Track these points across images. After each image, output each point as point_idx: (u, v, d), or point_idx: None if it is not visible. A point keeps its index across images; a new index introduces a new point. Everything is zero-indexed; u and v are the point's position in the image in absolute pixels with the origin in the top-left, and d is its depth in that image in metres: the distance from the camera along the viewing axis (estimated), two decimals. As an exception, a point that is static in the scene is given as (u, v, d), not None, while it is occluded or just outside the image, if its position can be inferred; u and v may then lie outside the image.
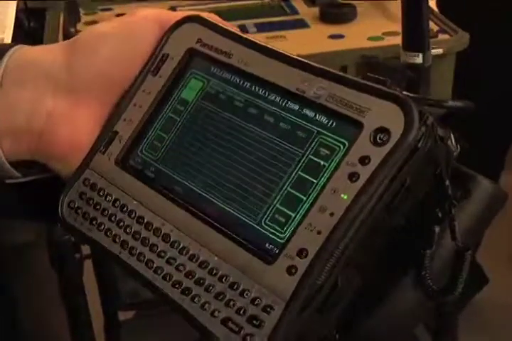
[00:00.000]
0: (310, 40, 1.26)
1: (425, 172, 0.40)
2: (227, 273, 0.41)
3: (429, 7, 0.97)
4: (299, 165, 0.42)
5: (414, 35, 0.74)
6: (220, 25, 0.48)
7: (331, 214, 0.39)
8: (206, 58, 0.48)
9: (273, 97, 0.44)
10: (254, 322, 0.39)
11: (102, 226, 0.47)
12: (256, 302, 0.40)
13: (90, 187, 0.48)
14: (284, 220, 0.41)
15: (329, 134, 0.41)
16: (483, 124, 1.48)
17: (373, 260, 0.41)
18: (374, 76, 0.42)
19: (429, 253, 0.41)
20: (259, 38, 0.47)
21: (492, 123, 1.61)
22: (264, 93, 0.45)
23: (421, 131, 0.38)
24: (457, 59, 1.17)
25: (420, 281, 0.41)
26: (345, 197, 0.39)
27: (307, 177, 0.41)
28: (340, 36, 1.26)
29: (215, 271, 0.42)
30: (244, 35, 0.47)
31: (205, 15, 0.50)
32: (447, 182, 0.40)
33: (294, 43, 1.24)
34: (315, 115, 0.42)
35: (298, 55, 0.45)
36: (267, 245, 0.41)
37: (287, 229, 0.41)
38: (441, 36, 1.21)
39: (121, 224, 0.46)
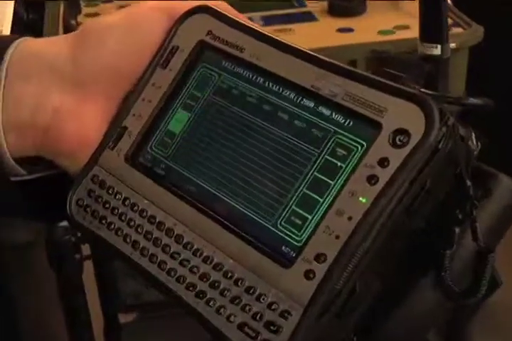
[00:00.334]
0: (318, 33, 1.27)
1: (445, 173, 0.40)
2: (243, 276, 0.42)
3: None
4: (315, 166, 0.42)
5: (433, 25, 0.74)
6: (231, 16, 0.48)
7: (349, 218, 0.39)
8: (217, 52, 0.48)
9: (287, 94, 0.44)
10: (272, 327, 0.40)
11: (112, 226, 0.47)
12: (273, 307, 0.40)
13: (99, 185, 0.48)
14: (300, 222, 0.41)
15: (346, 134, 0.41)
16: (502, 120, 1.48)
17: (393, 264, 0.41)
18: (390, 71, 0.42)
19: (449, 253, 0.41)
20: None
21: (510, 119, 1.60)
22: (278, 89, 0.45)
23: (441, 131, 0.38)
24: (471, 53, 1.17)
25: (440, 282, 0.41)
26: (364, 200, 0.39)
27: (323, 178, 0.41)
28: (350, 30, 1.26)
29: (230, 274, 0.42)
30: (257, 28, 0.47)
31: (214, 3, 0.49)
32: (468, 183, 0.40)
33: (301, 37, 1.24)
34: (331, 113, 0.42)
35: (306, 49, 0.45)
36: (283, 248, 0.41)
37: (304, 231, 0.41)
38: (455, 30, 1.22)
39: (132, 223, 0.46)
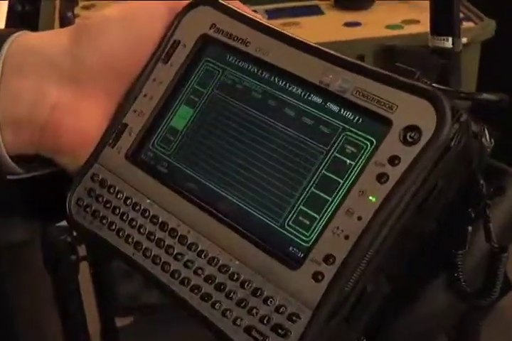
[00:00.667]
0: (324, 27, 1.27)
1: (458, 171, 0.40)
2: (249, 278, 0.42)
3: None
4: (324, 164, 0.42)
5: (444, 17, 0.74)
6: (236, 9, 0.48)
7: (359, 218, 0.39)
8: (221, 46, 0.48)
9: (294, 89, 0.44)
10: (280, 331, 0.40)
11: (114, 226, 0.47)
12: (281, 310, 0.40)
13: (100, 184, 0.49)
14: (308, 222, 0.41)
15: (355, 131, 0.41)
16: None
17: (403, 264, 0.41)
18: (403, 66, 0.42)
19: (461, 253, 0.41)
20: (272, 25, 0.47)
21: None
22: (285, 84, 0.45)
23: (454, 128, 0.38)
24: (483, 48, 1.17)
25: (452, 283, 0.41)
26: (374, 199, 0.39)
27: (332, 176, 0.41)
28: (357, 24, 1.26)
29: (236, 276, 0.42)
30: (263, 21, 0.47)
31: None
32: (481, 181, 0.40)
33: (307, 31, 1.25)
34: (340, 110, 0.42)
35: (312, 44, 0.45)
36: (290, 249, 0.41)
37: (312, 232, 0.41)
38: (466, 24, 1.21)
39: (134, 223, 0.47)
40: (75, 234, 1.31)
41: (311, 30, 1.25)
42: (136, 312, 1.74)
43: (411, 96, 0.40)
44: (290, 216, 0.42)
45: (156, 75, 0.49)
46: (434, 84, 0.42)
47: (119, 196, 0.48)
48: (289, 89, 0.44)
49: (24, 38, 0.50)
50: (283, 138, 0.44)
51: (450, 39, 0.73)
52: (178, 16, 0.49)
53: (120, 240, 0.47)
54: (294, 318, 0.40)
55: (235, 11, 0.48)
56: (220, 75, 0.47)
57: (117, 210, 0.47)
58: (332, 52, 0.44)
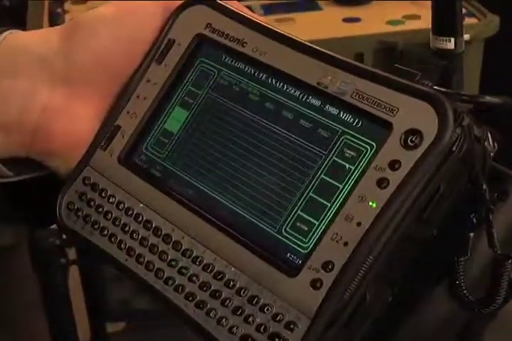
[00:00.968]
0: (322, 23, 1.27)
1: (460, 176, 0.40)
2: (245, 285, 0.42)
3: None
4: (322, 168, 0.42)
5: (446, 16, 0.73)
6: (232, 8, 0.48)
7: (358, 224, 0.39)
8: (217, 46, 0.48)
9: (292, 91, 0.44)
10: (277, 340, 0.40)
11: (106, 231, 0.47)
12: (278, 319, 0.40)
13: (91, 187, 0.49)
14: (306, 228, 0.41)
15: (355, 134, 0.41)
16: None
17: (404, 271, 0.41)
18: (403, 68, 0.42)
19: (463, 260, 0.41)
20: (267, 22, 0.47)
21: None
22: (282, 86, 0.45)
23: (456, 132, 0.38)
24: (486, 45, 1.17)
25: (454, 291, 0.42)
26: (374, 205, 0.39)
27: (331, 181, 0.41)
28: (356, 19, 1.26)
29: (232, 283, 0.42)
30: (260, 21, 0.47)
31: None
32: (484, 186, 0.41)
33: (303, 27, 1.24)
34: (339, 112, 0.42)
35: (308, 41, 0.45)
36: (288, 255, 0.42)
37: (310, 238, 0.41)
38: (469, 20, 1.22)
39: (127, 228, 0.47)
40: (64, 236, 1.31)
41: (308, 26, 1.24)
42: (127, 317, 1.74)
43: (412, 99, 0.40)
44: (288, 221, 0.42)
45: (149, 76, 0.49)
46: (435, 87, 0.42)
47: (111, 200, 0.48)
48: (287, 91, 0.45)
49: (14, 36, 0.50)
50: (280, 142, 0.44)
51: (452, 40, 0.73)
52: (173, 15, 0.49)
53: (112, 245, 0.47)
54: (291, 327, 0.40)
55: (232, 10, 0.48)
56: (216, 76, 0.48)
57: (109, 215, 0.48)
58: (331, 53, 0.44)
